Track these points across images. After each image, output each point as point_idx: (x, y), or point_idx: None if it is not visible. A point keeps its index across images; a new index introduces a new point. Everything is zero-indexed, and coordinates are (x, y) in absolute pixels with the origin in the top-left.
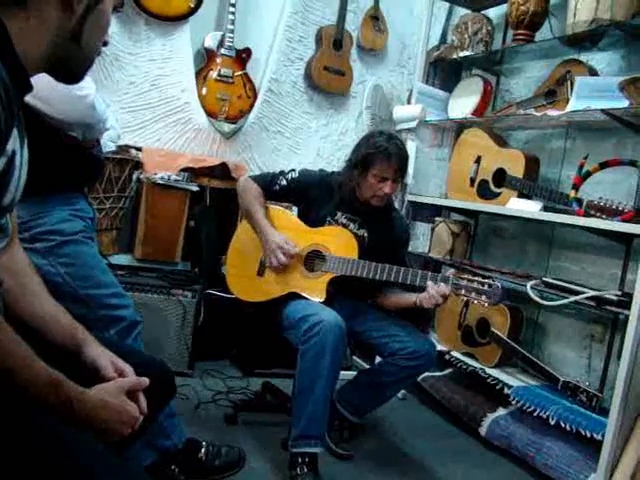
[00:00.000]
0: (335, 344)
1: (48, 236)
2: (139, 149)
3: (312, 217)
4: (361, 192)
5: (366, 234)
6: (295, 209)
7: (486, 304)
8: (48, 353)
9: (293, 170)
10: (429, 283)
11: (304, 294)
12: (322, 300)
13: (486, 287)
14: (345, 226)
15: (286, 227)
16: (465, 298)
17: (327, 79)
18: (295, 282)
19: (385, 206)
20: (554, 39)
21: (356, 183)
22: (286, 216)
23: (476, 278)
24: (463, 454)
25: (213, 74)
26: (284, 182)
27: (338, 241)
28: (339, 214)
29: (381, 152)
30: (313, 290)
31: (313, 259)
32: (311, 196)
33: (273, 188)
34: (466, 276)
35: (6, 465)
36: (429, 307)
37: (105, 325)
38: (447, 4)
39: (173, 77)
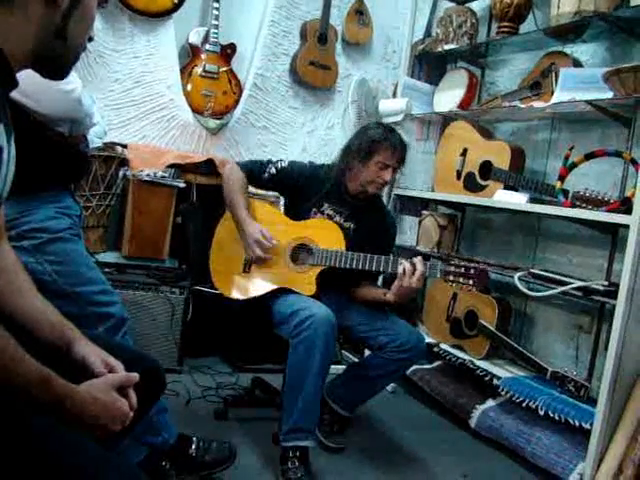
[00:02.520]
0: (326, 338)
1: (35, 234)
2: (125, 146)
3: (299, 208)
4: (358, 180)
5: (352, 226)
6: (282, 202)
7: (474, 288)
8: (37, 350)
9: (282, 160)
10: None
11: (293, 288)
12: (312, 293)
13: (472, 271)
14: (330, 217)
15: (271, 221)
16: (454, 284)
17: (312, 74)
18: (283, 277)
19: (374, 199)
20: (538, 31)
21: (354, 171)
22: (272, 210)
23: (463, 263)
24: (453, 446)
25: (198, 70)
26: (273, 170)
27: (324, 233)
28: (325, 205)
29: (387, 140)
30: (302, 284)
31: (300, 252)
32: (299, 187)
33: (262, 176)
34: (453, 262)
35: (1, 465)
36: (402, 294)
37: (93, 322)
38: None
39: (158, 73)
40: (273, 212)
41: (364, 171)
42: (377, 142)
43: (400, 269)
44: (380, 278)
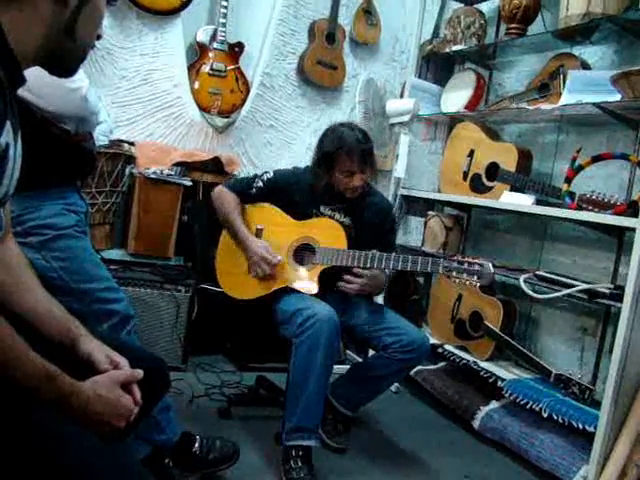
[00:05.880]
0: (329, 337)
1: (41, 230)
2: (132, 143)
3: (296, 215)
4: (335, 186)
5: (351, 222)
6: None
7: (478, 284)
8: (43, 347)
9: (267, 172)
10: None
11: (297, 287)
12: (316, 292)
13: (476, 267)
14: (331, 217)
15: (274, 222)
16: (457, 280)
17: (320, 73)
18: (287, 276)
19: (367, 190)
20: (547, 33)
21: (327, 180)
22: (273, 211)
23: (466, 259)
24: (456, 447)
25: (205, 68)
26: (260, 184)
27: (326, 233)
28: (322, 207)
29: (341, 149)
30: (305, 283)
31: (303, 252)
32: (290, 194)
33: (250, 191)
34: (456, 258)
35: (2, 462)
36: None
37: (98, 319)
38: None
39: (165, 71)
40: (273, 212)
41: (334, 180)
42: (332, 153)
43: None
44: None
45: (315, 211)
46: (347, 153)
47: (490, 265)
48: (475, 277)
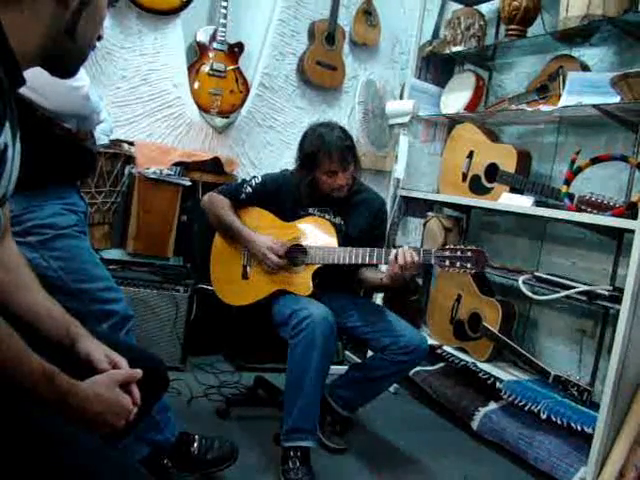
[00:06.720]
0: (324, 338)
1: (41, 230)
2: (131, 143)
3: (286, 217)
4: (321, 188)
5: (342, 221)
6: None
7: (473, 271)
8: (42, 347)
9: (255, 177)
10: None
11: (291, 290)
12: (309, 293)
13: (469, 254)
14: (322, 218)
15: (265, 225)
16: (451, 270)
17: (319, 74)
18: (280, 279)
19: (352, 191)
20: (546, 34)
21: (310, 182)
22: (262, 214)
23: (459, 247)
24: (455, 448)
25: (205, 68)
26: (249, 189)
27: (317, 231)
28: (311, 210)
29: (320, 150)
30: (299, 285)
31: (295, 253)
32: (279, 198)
33: (240, 197)
34: (448, 247)
35: (3, 464)
36: (396, 276)
37: (97, 319)
38: None
39: (165, 71)
40: (262, 215)
41: (318, 182)
42: (313, 155)
43: (391, 257)
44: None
45: (303, 213)
46: (327, 153)
47: (483, 250)
48: (469, 264)
